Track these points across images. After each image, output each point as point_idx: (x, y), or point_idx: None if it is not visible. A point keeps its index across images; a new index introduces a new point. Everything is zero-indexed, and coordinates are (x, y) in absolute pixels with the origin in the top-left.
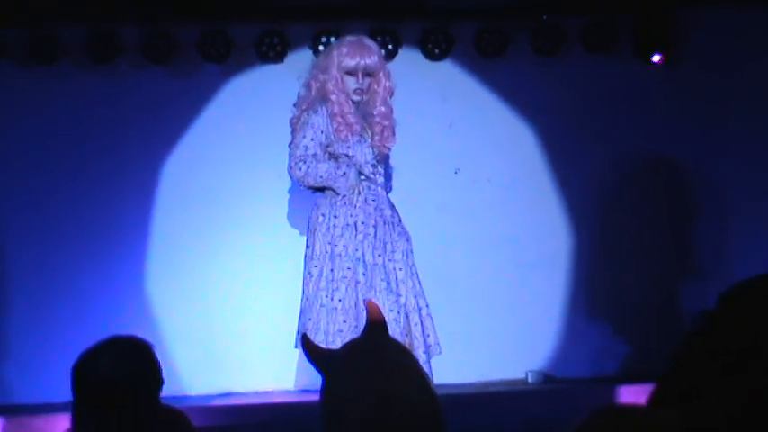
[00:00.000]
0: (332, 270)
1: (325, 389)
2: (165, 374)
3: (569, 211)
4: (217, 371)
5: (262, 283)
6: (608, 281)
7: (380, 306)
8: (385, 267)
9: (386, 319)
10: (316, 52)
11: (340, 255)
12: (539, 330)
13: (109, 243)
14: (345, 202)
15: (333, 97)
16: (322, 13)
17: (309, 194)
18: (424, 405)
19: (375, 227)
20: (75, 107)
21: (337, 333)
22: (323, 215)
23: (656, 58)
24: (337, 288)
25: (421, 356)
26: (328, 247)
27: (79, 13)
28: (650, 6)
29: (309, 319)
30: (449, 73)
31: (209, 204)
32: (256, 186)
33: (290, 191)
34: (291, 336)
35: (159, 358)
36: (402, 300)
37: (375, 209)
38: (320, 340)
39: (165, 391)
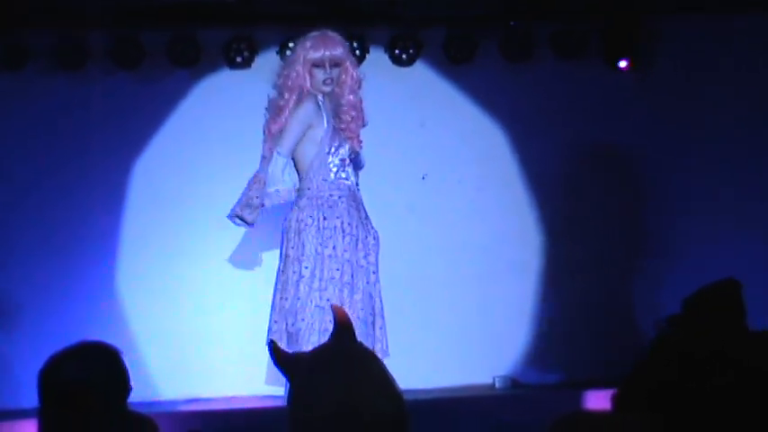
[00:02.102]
0: (321, 270)
1: (292, 393)
2: (133, 380)
3: (538, 215)
4: (186, 376)
5: (230, 287)
6: (576, 286)
7: (363, 308)
8: (367, 269)
9: (354, 321)
10: (283, 57)
11: (330, 256)
12: (506, 335)
13: (78, 247)
14: (331, 204)
15: (286, 94)
16: (290, 18)
17: None
18: (390, 408)
19: (357, 228)
20: (43, 112)
21: (324, 332)
22: (311, 217)
23: (622, 64)
24: (325, 288)
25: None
26: (319, 248)
27: (47, 19)
28: (618, 13)
29: (303, 320)
30: (418, 77)
31: (178, 209)
32: (225, 190)
33: None
34: (260, 340)
35: (128, 364)
36: (376, 303)
37: (356, 209)
38: (314, 341)
39: (134, 397)
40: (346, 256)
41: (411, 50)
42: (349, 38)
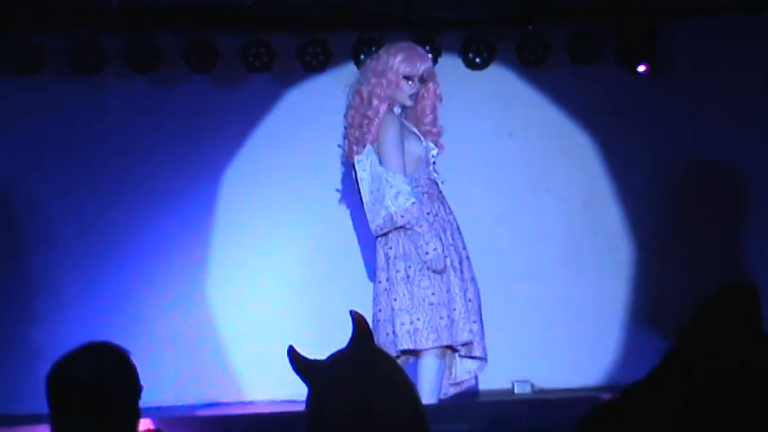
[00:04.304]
0: (451, 261)
1: (311, 399)
2: (152, 384)
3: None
4: (205, 380)
5: (249, 291)
6: (592, 292)
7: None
8: (469, 260)
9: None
10: (302, 62)
11: (450, 245)
12: (526, 340)
13: (89, 253)
14: (433, 199)
15: (375, 102)
16: (307, 22)
17: (295, 200)
18: (407, 413)
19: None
20: (59, 117)
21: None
22: (428, 213)
23: (641, 69)
24: (449, 280)
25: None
26: (451, 239)
27: (64, 23)
28: (635, 16)
29: (454, 310)
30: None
31: (195, 213)
32: (242, 194)
33: (273, 197)
34: (280, 344)
35: (137, 365)
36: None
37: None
38: (469, 329)
39: (152, 401)
40: (464, 253)
41: (430, 55)
42: (365, 43)
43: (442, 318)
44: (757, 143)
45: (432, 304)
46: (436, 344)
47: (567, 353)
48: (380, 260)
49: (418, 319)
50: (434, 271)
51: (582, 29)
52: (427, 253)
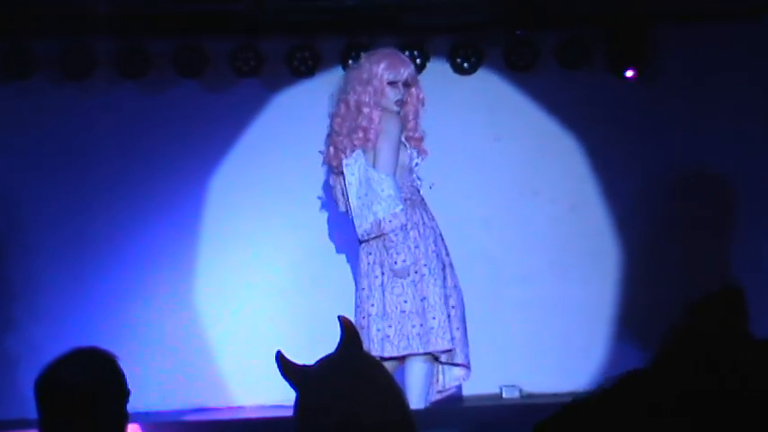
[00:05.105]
0: (434, 268)
1: (299, 404)
2: (141, 389)
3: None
4: (193, 385)
5: (239, 297)
6: (575, 298)
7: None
8: (453, 268)
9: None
10: (290, 67)
11: (433, 251)
12: (513, 345)
13: (78, 258)
14: (416, 205)
15: (365, 110)
16: (297, 28)
17: (286, 205)
18: (396, 419)
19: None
20: (48, 122)
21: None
22: (409, 219)
23: (629, 74)
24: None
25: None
26: (432, 246)
27: (54, 28)
28: (624, 22)
29: (434, 318)
30: (427, 85)
31: (184, 217)
32: (231, 199)
33: (261, 202)
34: (268, 349)
35: (125, 370)
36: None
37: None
38: (449, 337)
39: (141, 406)
40: (447, 260)
41: (418, 59)
42: (354, 47)
43: (414, 326)
44: (745, 148)
45: (404, 312)
46: (405, 351)
47: (555, 357)
48: (362, 266)
49: (389, 326)
50: (398, 278)
51: (570, 34)
52: (395, 263)
